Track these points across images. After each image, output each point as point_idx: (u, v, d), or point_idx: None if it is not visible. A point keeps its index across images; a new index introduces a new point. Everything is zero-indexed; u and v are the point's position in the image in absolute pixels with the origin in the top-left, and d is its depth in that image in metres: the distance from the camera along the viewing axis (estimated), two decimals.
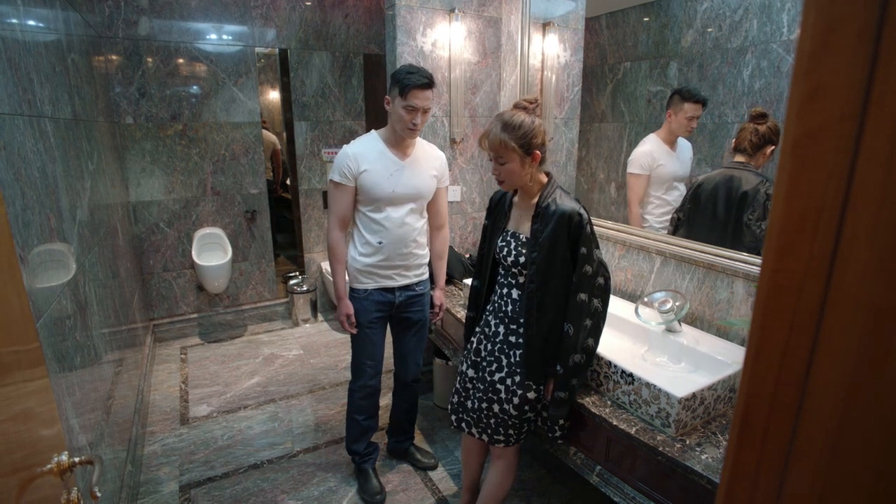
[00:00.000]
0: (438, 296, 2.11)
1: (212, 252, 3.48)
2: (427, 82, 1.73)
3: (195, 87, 3.30)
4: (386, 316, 2.01)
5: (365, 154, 1.82)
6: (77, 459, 0.83)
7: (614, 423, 1.40)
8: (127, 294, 2.63)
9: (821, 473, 0.40)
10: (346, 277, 1.95)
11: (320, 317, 3.95)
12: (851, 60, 0.34)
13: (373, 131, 1.90)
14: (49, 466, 0.79)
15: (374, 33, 3.72)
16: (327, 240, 1.92)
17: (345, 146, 1.86)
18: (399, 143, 1.85)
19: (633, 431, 1.35)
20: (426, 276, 2.05)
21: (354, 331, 1.96)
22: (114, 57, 3.04)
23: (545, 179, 1.52)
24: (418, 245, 1.95)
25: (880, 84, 0.33)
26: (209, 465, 2.27)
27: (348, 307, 1.93)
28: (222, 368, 3.16)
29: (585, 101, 2.37)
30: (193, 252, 3.37)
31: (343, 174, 1.81)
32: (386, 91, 1.89)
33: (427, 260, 2.04)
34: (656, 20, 1.99)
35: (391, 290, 1.95)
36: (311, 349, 3.44)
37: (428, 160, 1.92)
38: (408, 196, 1.87)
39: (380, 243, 1.88)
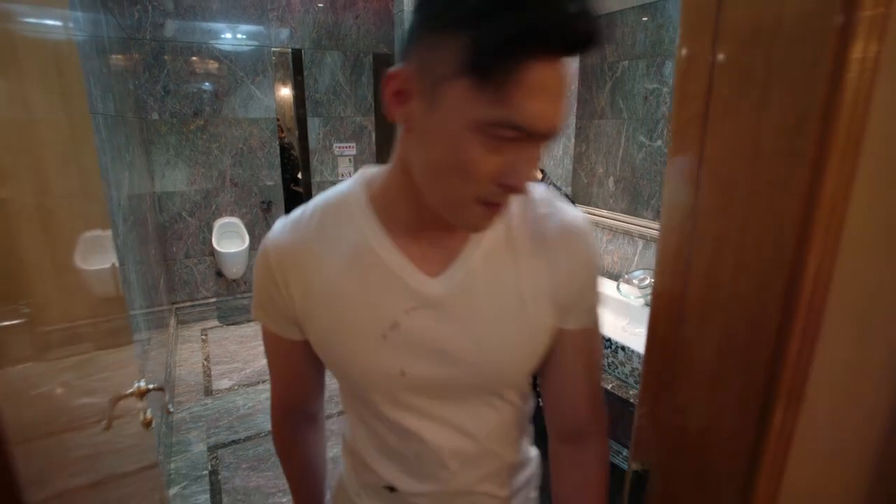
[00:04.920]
0: None
1: (230, 240, 3.70)
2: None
3: (215, 85, 3.51)
4: None
5: (321, 258, 0.62)
6: (151, 386, 1.04)
7: None
8: (155, 278, 2.85)
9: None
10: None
11: None
12: (703, 78, 0.54)
13: (357, 183, 0.63)
14: (131, 390, 1.00)
15: (383, 34, 3.91)
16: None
17: (278, 222, 0.69)
18: (430, 225, 0.59)
19: (609, 388, 1.54)
20: None
21: None
22: (141, 56, 3.26)
23: (539, 176, 1.63)
24: (496, 484, 0.70)
25: (716, 93, 0.53)
26: (233, 430, 2.49)
27: None
28: (241, 348, 3.38)
29: (585, 99, 2.44)
30: (214, 240, 3.59)
31: (265, 309, 0.67)
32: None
33: None
34: (653, 20, 2.03)
35: None
36: None
37: (521, 260, 0.61)
38: (452, 382, 0.61)
39: (392, 490, 0.69)
